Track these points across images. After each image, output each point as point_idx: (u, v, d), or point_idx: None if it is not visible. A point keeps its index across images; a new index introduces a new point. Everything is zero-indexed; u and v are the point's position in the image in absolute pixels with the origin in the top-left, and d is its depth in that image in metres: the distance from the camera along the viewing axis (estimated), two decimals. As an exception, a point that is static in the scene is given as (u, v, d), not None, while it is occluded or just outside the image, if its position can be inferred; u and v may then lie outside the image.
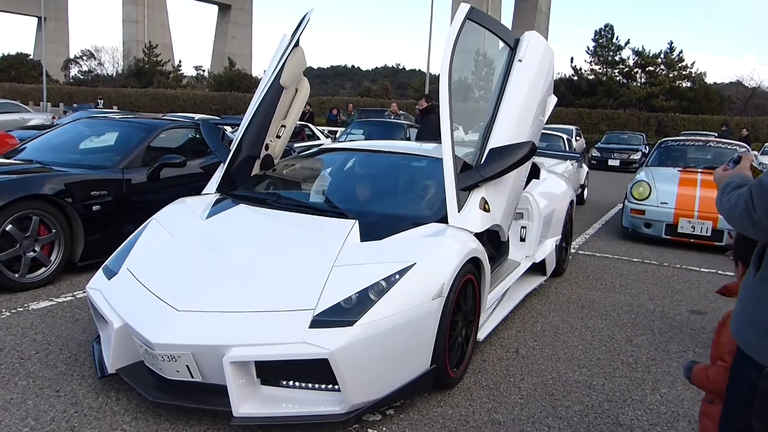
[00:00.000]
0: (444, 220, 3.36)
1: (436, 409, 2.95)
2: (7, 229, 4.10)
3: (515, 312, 4.41)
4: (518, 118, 3.76)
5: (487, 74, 5.38)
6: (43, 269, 4.39)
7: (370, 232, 3.17)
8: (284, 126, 4.57)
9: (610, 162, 19.40)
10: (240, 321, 2.60)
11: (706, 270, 6.29)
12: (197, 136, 6.12)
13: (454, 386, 3.17)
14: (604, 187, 13.80)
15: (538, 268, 4.93)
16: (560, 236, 5.34)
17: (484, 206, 3.48)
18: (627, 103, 36.65)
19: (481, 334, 3.57)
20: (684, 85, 37.62)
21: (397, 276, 2.76)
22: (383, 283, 2.73)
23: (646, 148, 19.95)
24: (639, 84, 37.95)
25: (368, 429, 2.72)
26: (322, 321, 2.56)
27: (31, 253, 4.29)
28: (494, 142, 3.58)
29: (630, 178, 8.53)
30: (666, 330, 4.35)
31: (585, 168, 10.95)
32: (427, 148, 4.61)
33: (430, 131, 8.60)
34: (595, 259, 6.48)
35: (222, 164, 4.15)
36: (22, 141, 8.23)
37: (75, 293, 4.28)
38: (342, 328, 2.53)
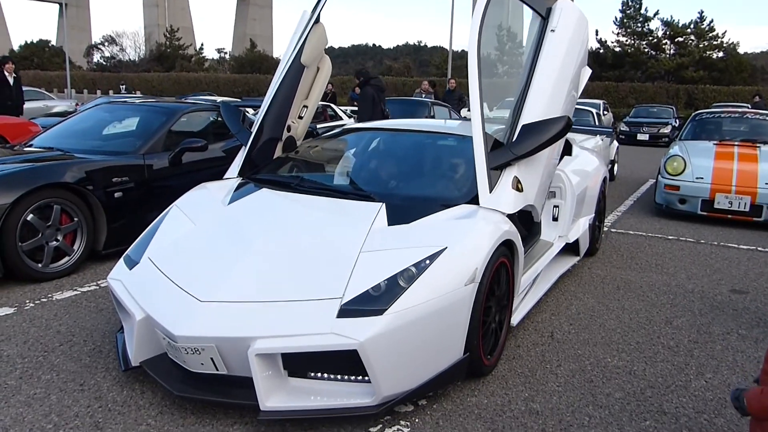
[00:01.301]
0: (474, 201, 3.21)
1: (471, 398, 2.83)
2: (29, 218, 4.05)
3: (549, 294, 4.25)
4: (552, 91, 3.57)
5: (511, 48, 5.19)
6: (66, 258, 4.34)
7: (397, 216, 3.03)
8: (306, 106, 4.43)
9: (639, 136, 18.88)
10: (265, 311, 2.50)
11: (745, 247, 6.04)
12: (218, 119, 6.02)
13: (488, 374, 3.04)
14: (633, 162, 13.43)
15: (570, 248, 4.75)
16: (593, 215, 5.14)
17: (517, 186, 3.31)
18: (655, 76, 35.75)
19: (515, 319, 3.43)
20: (715, 55, 36.50)
21: (428, 261, 2.63)
22: (413, 269, 2.59)
23: (676, 122, 19.38)
24: (668, 55, 36.91)
25: (400, 421, 2.61)
26: (350, 310, 2.44)
27: (54, 242, 4.24)
28: (527, 117, 3.39)
29: (660, 152, 8.24)
30: (707, 311, 4.16)
31: (615, 143, 10.64)
32: (454, 125, 4.44)
33: (368, 105, 8.35)
34: (628, 237, 6.26)
35: (243, 147, 4.04)
36: (45, 128, 8.25)
37: (99, 282, 4.23)
38: (371, 317, 2.41)
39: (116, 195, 4.60)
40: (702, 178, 7.10)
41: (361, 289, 2.52)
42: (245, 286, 2.62)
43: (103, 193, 4.49)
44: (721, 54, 36.39)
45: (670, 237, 6.36)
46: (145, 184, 4.86)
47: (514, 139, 3.35)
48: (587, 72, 4.08)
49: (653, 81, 35.10)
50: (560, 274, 4.44)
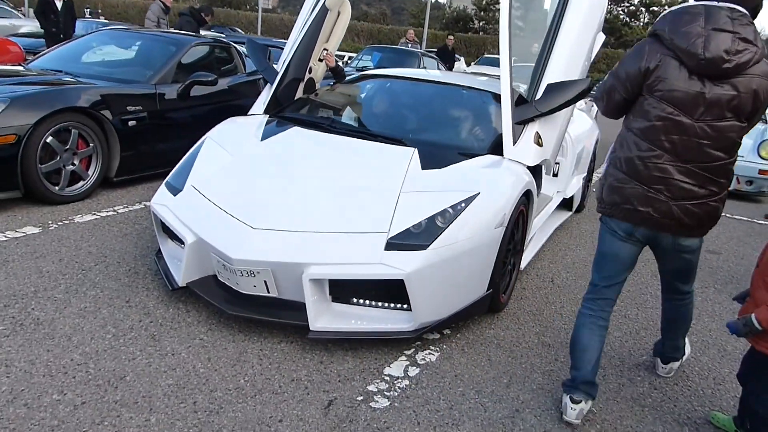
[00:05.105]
0: (493, 152, 3.43)
1: (489, 330, 3.11)
2: (48, 140, 4.06)
3: (545, 245, 4.55)
4: (571, 53, 3.74)
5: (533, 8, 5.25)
6: (81, 183, 4.38)
7: (429, 161, 3.22)
8: (326, 49, 4.51)
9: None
10: (317, 240, 2.68)
11: (716, 213, 6.46)
12: (223, 54, 6.01)
13: (501, 311, 3.33)
14: (607, 126, 13.81)
15: (563, 203, 5.04)
16: (586, 173, 5.44)
17: (538, 141, 3.53)
18: (628, 43, 36.18)
19: (523, 264, 3.71)
20: (687, 26, 37.08)
21: (463, 204, 2.84)
22: (450, 210, 2.81)
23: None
24: (642, 24, 37.35)
25: (430, 346, 2.87)
26: (396, 244, 2.65)
27: (71, 166, 4.28)
28: (550, 77, 3.58)
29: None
30: (687, 268, 4.53)
31: (595, 107, 10.93)
32: (477, 80, 4.59)
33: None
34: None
35: (269, 85, 4.12)
36: (26, 50, 7.96)
37: (116, 208, 4.31)
38: (416, 251, 2.62)
39: (130, 123, 4.62)
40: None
41: (404, 226, 2.73)
42: (295, 216, 2.80)
43: (118, 120, 4.51)
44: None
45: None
46: (157, 115, 4.87)
47: (538, 97, 3.53)
48: (601, 38, 4.25)
49: (626, 48, 35.56)
50: (556, 227, 4.74)
